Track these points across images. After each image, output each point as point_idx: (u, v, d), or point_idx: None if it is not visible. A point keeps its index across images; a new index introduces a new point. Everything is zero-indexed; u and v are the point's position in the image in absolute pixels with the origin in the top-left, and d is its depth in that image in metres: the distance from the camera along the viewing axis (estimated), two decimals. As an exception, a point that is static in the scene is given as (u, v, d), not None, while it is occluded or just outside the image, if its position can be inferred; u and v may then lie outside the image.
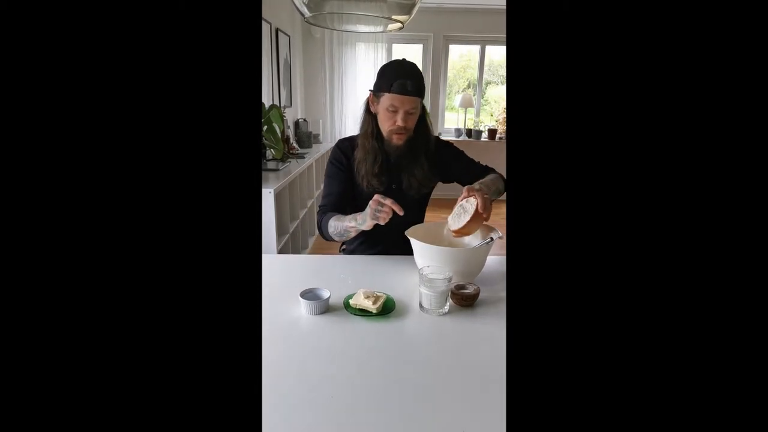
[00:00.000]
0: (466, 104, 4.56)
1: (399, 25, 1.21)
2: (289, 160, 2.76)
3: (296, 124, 3.83)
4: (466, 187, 1.06)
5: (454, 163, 1.33)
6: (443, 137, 2.25)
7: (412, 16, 1.17)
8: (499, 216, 4.10)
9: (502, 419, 0.59)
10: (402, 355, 0.78)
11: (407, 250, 1.08)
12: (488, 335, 0.85)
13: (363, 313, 0.90)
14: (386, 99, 1.16)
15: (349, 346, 0.80)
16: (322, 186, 1.37)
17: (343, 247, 1.44)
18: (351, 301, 0.93)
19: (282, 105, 3.40)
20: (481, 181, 1.21)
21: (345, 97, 4.42)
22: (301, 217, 2.86)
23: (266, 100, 3.00)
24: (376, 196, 1.04)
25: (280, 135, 2.55)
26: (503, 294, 1.00)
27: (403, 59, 1.21)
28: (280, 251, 2.30)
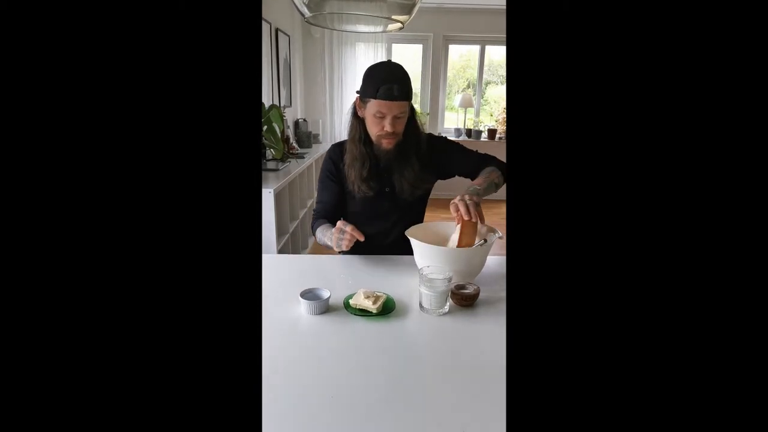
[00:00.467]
0: (465, 104, 4.56)
1: (399, 25, 1.21)
2: (288, 160, 2.76)
3: (296, 124, 3.83)
4: (451, 202, 1.05)
5: (449, 158, 1.31)
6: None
7: (412, 16, 1.17)
8: (498, 216, 4.11)
9: (502, 419, 0.59)
10: (402, 355, 0.78)
11: (407, 250, 1.08)
12: (488, 335, 0.85)
13: (363, 313, 0.90)
14: (373, 105, 1.14)
15: (349, 346, 0.80)
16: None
17: None
18: (351, 301, 0.93)
19: (282, 105, 3.40)
20: (472, 184, 1.18)
21: (345, 97, 4.42)
22: (300, 217, 2.86)
23: (266, 100, 3.00)
24: (338, 223, 1.09)
25: (279, 135, 2.55)
26: (503, 294, 1.00)
27: (389, 61, 1.19)
28: (280, 251, 2.30)
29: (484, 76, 4.79)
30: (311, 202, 3.18)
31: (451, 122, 4.93)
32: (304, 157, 3.03)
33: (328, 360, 0.76)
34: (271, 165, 2.53)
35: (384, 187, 1.26)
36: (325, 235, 1.20)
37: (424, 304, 0.91)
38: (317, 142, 4.06)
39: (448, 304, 0.92)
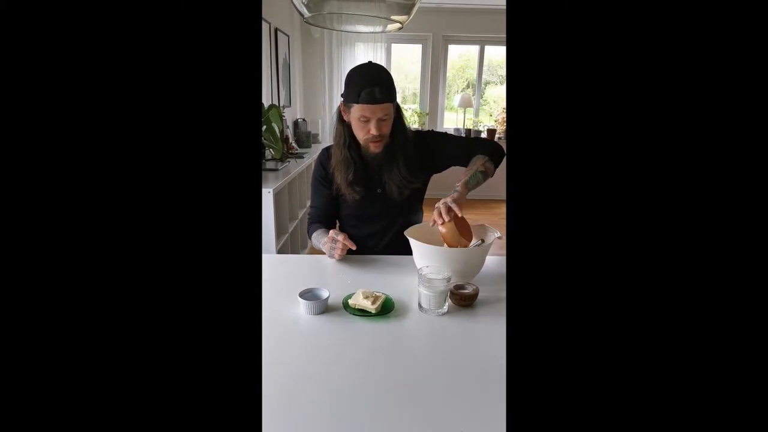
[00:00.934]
0: (465, 104, 4.57)
1: (398, 25, 1.21)
2: (288, 159, 2.76)
3: (295, 123, 3.83)
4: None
5: (438, 151, 1.29)
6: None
7: (411, 16, 1.18)
8: (498, 216, 4.10)
9: (501, 419, 0.59)
10: (401, 355, 0.78)
11: (405, 251, 1.08)
12: (487, 335, 0.85)
13: (362, 313, 0.90)
14: (356, 110, 1.14)
15: (348, 346, 0.80)
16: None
17: None
18: (350, 301, 0.93)
19: (281, 105, 3.40)
20: (455, 187, 1.15)
21: (340, 98, 4.41)
22: (300, 216, 2.86)
23: (265, 100, 3.00)
24: (331, 233, 1.12)
25: (279, 135, 2.55)
26: (502, 294, 1.00)
27: (369, 62, 1.18)
28: (279, 251, 2.30)
29: (484, 76, 4.79)
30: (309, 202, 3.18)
31: (451, 122, 4.93)
32: (303, 157, 3.03)
33: (327, 360, 0.76)
34: (270, 165, 2.52)
35: (375, 189, 1.26)
36: (320, 242, 1.23)
37: (423, 304, 0.91)
38: (316, 142, 4.05)
39: (447, 304, 0.92)
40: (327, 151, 1.30)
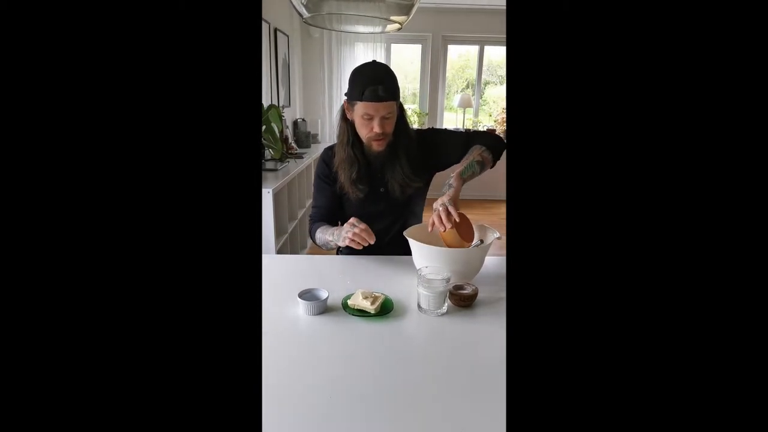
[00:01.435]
0: (464, 104, 4.57)
1: (397, 25, 1.21)
2: (287, 160, 2.76)
3: (295, 123, 3.83)
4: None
5: (439, 149, 1.29)
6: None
7: (411, 16, 1.17)
8: (498, 216, 4.10)
9: (501, 419, 0.59)
10: (400, 356, 0.78)
11: (405, 250, 1.08)
12: (486, 335, 0.85)
13: (361, 313, 0.90)
14: (360, 107, 1.14)
15: (348, 347, 0.80)
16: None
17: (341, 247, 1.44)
18: (349, 302, 0.92)
19: (281, 105, 3.40)
20: (452, 171, 1.15)
21: (344, 96, 4.41)
22: (299, 217, 2.86)
23: (265, 100, 2.99)
24: (351, 219, 1.08)
25: (278, 135, 2.55)
26: (502, 294, 1.00)
27: (373, 61, 1.18)
28: (279, 251, 2.30)
29: (483, 76, 4.79)
30: (310, 202, 3.18)
31: (450, 122, 4.94)
32: (302, 157, 3.03)
33: (326, 360, 0.76)
34: (269, 165, 2.52)
35: (378, 188, 1.26)
36: (326, 232, 1.20)
37: (423, 305, 0.91)
38: (316, 142, 4.05)
39: (446, 304, 0.92)
40: (330, 149, 1.30)
